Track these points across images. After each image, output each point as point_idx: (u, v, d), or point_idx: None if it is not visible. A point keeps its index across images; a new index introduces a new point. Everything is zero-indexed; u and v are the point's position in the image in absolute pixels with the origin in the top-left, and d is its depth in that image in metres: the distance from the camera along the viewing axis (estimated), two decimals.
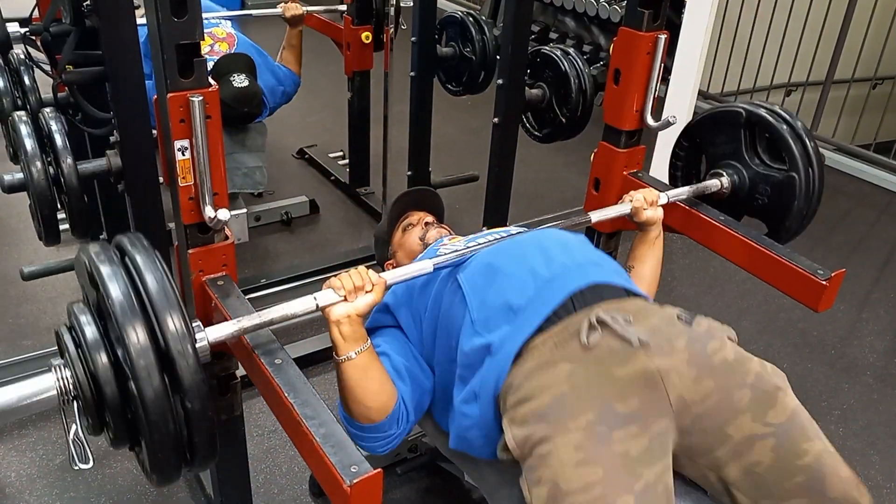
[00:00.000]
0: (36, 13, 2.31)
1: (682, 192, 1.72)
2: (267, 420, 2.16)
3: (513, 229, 1.57)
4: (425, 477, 2.01)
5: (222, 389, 1.49)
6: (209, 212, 1.26)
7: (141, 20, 1.74)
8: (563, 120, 2.09)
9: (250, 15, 3.36)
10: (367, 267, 1.29)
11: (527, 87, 2.23)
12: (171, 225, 1.46)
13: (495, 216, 2.42)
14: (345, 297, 1.24)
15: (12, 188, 1.63)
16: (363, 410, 1.27)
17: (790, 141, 1.62)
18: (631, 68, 1.72)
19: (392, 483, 1.97)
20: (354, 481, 0.97)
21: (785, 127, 1.63)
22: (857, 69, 4.06)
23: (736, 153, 1.71)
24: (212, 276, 1.36)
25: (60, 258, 2.37)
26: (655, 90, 1.74)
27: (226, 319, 1.27)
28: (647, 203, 1.62)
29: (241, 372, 1.47)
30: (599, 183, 1.88)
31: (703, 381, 1.19)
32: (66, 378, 1.03)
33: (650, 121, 1.76)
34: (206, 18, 2.71)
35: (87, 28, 1.72)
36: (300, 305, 1.23)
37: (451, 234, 1.65)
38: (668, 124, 1.74)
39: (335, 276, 1.26)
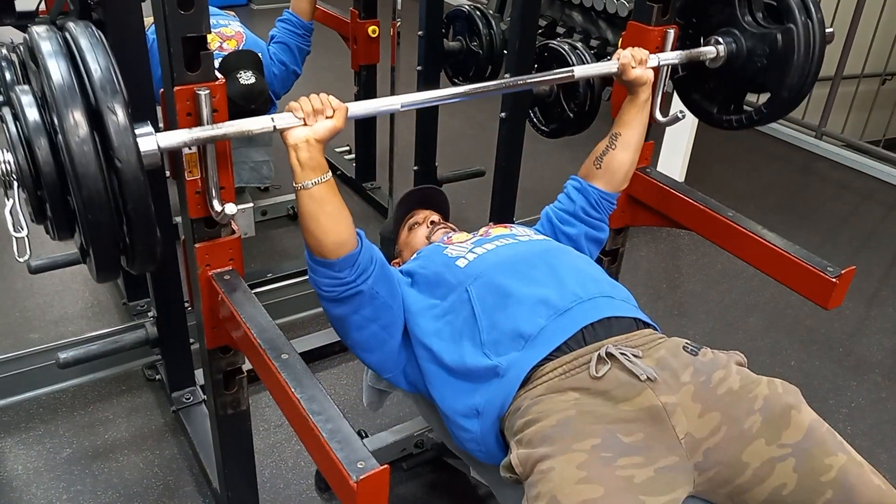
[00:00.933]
0: (42, 6, 2.31)
1: (674, 55, 1.66)
2: (273, 414, 2.16)
3: (519, 231, 1.57)
4: (431, 472, 2.01)
5: (228, 384, 1.49)
6: (216, 206, 1.26)
7: (147, 18, 1.74)
8: (571, 115, 2.07)
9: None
10: (329, 94, 1.26)
11: None
12: (178, 219, 1.46)
13: (502, 211, 2.41)
14: (304, 120, 1.21)
15: None
16: (315, 243, 1.26)
17: None
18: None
19: (398, 478, 1.96)
20: (361, 477, 0.97)
21: None
22: (866, 65, 4.03)
23: (731, 19, 1.65)
24: (218, 270, 1.35)
25: (67, 252, 2.37)
26: (664, 86, 1.73)
27: (232, 314, 1.28)
28: (636, 61, 1.57)
29: (247, 366, 1.48)
30: None
31: (709, 415, 1.18)
32: (7, 161, 1.03)
33: (658, 116, 1.75)
34: (215, 18, 2.69)
35: (94, 21, 1.72)
36: (257, 123, 1.20)
37: (456, 231, 1.65)
38: (676, 120, 1.73)
39: (296, 99, 1.23)
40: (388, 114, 1.31)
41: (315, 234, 1.25)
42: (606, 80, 1.91)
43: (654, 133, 1.85)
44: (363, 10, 2.90)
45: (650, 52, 1.61)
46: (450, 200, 1.81)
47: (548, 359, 1.27)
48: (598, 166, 1.62)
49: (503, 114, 2.23)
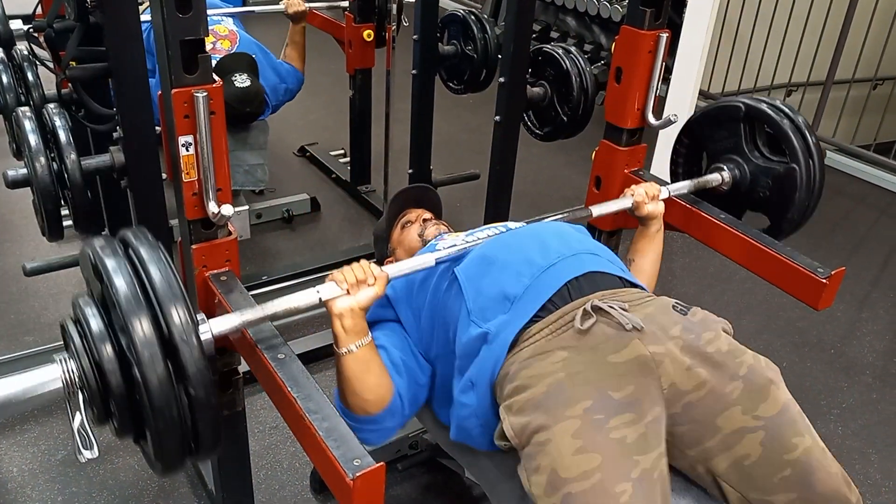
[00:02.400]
0: (39, 10, 2.32)
1: (683, 186, 1.72)
2: (268, 416, 2.16)
3: (511, 224, 1.58)
4: (426, 473, 2.01)
5: (224, 385, 1.50)
6: (213, 207, 1.27)
7: (145, 16, 1.75)
8: (565, 118, 2.10)
9: (252, 12, 3.36)
10: (369, 262, 1.30)
11: (528, 86, 2.23)
12: (174, 221, 1.47)
13: (496, 214, 2.42)
14: (347, 290, 1.24)
15: (16, 184, 1.63)
16: (360, 403, 1.28)
17: (790, 133, 1.62)
18: (632, 67, 1.72)
19: (393, 479, 1.97)
20: (357, 475, 0.98)
21: (785, 120, 1.63)
22: (857, 70, 4.07)
23: (736, 147, 1.71)
24: (215, 271, 1.36)
25: (62, 254, 2.38)
26: (657, 89, 1.75)
27: (228, 313, 1.28)
28: (649, 197, 1.63)
29: (242, 368, 1.48)
30: (600, 181, 1.88)
31: (697, 370, 1.20)
32: (71, 369, 1.04)
33: (651, 119, 1.76)
34: (209, 16, 2.71)
35: (91, 24, 1.73)
36: (303, 299, 1.23)
37: (449, 231, 1.66)
38: (669, 123, 1.75)
39: (338, 270, 1.27)
40: (425, 269, 1.37)
41: (360, 394, 1.28)
42: (600, 84, 1.93)
43: (647, 136, 1.87)
44: (358, 14, 2.92)
45: (659, 188, 1.67)
46: (444, 204, 1.83)
47: (534, 320, 1.27)
48: None
49: (497, 117, 2.25)
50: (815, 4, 4.01)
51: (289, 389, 1.12)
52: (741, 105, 1.69)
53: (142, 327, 0.98)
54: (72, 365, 1.04)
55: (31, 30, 2.02)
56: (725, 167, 1.73)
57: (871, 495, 2.01)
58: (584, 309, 1.24)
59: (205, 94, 1.19)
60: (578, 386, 1.18)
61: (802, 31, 4.09)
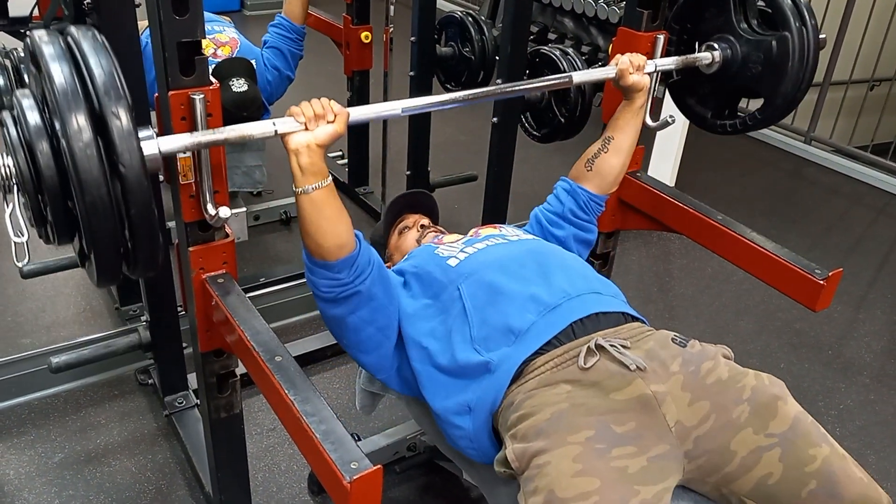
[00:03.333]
0: (36, 12, 2.32)
1: (671, 61, 1.68)
2: (265, 418, 2.16)
3: (508, 231, 1.58)
4: (424, 475, 2.01)
5: (221, 387, 1.50)
6: (210, 209, 1.27)
7: (141, 22, 1.75)
8: (562, 120, 2.09)
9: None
10: (330, 99, 1.26)
11: None
12: (171, 223, 1.47)
13: (494, 216, 2.42)
14: (305, 125, 1.21)
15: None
16: (314, 246, 1.27)
17: (780, 0, 1.58)
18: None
19: (391, 481, 1.97)
20: (354, 477, 0.98)
21: None
22: (854, 71, 4.07)
23: (727, 25, 1.66)
24: (212, 273, 1.36)
25: (59, 256, 2.37)
26: (654, 90, 1.75)
27: (226, 317, 1.28)
28: (634, 67, 1.58)
29: (240, 370, 1.48)
30: None
31: (699, 404, 1.20)
32: (8, 165, 1.03)
33: (649, 121, 1.76)
34: (210, 24, 2.69)
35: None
36: (258, 128, 1.19)
37: (446, 234, 1.66)
38: (666, 124, 1.75)
39: (298, 105, 1.23)
40: (389, 118, 1.31)
41: (314, 237, 1.26)
42: (597, 86, 1.93)
43: (645, 137, 1.87)
44: (356, 15, 2.92)
45: (645, 59, 1.62)
46: (442, 205, 1.83)
47: (538, 353, 1.28)
48: (588, 168, 1.64)
49: (495, 119, 2.25)
50: (811, 5, 4.02)
51: (286, 392, 1.12)
52: None
53: (77, 123, 0.94)
54: (8, 160, 1.02)
55: (28, 31, 2.02)
56: (717, 46, 1.67)
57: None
58: (589, 347, 1.25)
59: (202, 95, 1.19)
60: (581, 416, 1.19)
61: None
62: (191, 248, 1.33)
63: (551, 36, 4.73)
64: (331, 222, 1.26)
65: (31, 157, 1.01)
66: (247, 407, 1.93)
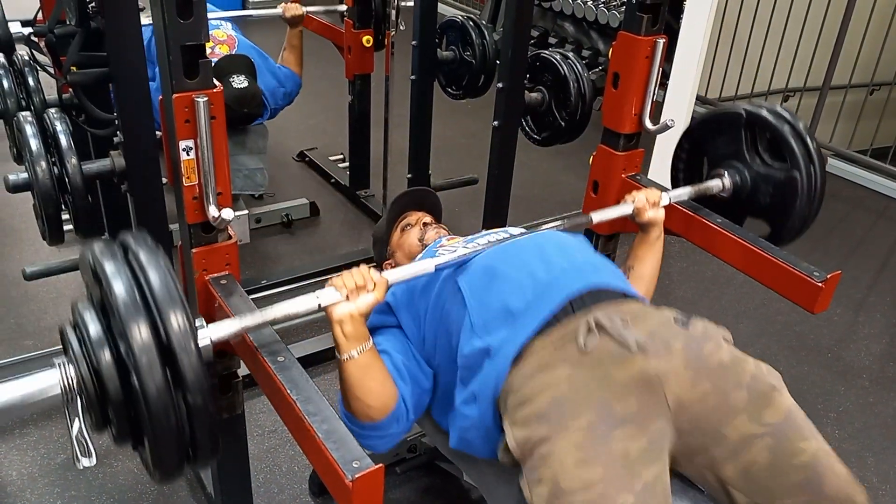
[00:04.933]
0: (40, 15, 2.33)
1: (684, 192, 1.73)
2: (267, 420, 2.17)
3: (512, 230, 1.59)
4: (424, 476, 2.02)
5: (224, 388, 1.50)
6: (213, 211, 1.28)
7: (145, 20, 1.77)
8: (563, 123, 2.11)
9: (251, 16, 3.36)
10: (368, 267, 1.30)
11: (526, 91, 2.25)
12: (174, 225, 1.48)
13: (495, 219, 2.43)
14: (347, 296, 1.24)
15: (17, 188, 1.64)
16: (364, 409, 1.28)
17: (791, 140, 1.62)
18: (630, 72, 1.74)
19: (392, 482, 1.98)
20: (356, 476, 0.99)
21: (786, 126, 1.63)
22: (854, 75, 4.08)
23: (737, 154, 1.72)
24: (215, 275, 1.37)
25: (62, 258, 2.38)
26: (654, 94, 1.76)
27: (229, 318, 1.29)
28: (650, 204, 1.63)
29: (242, 371, 1.49)
30: (598, 186, 1.89)
31: (700, 383, 1.21)
32: (70, 375, 1.03)
33: (649, 124, 1.78)
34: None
35: (92, 29, 1.74)
36: (303, 304, 1.23)
37: (449, 235, 1.66)
38: (666, 128, 1.76)
39: (338, 275, 1.27)
40: (425, 275, 1.37)
41: (363, 400, 1.27)
42: (598, 90, 1.94)
43: (645, 141, 1.88)
44: (358, 20, 2.94)
45: (660, 194, 1.67)
46: (443, 208, 1.84)
47: (537, 334, 1.28)
48: None
49: (496, 122, 2.26)
50: (811, 9, 4.04)
51: (288, 392, 1.13)
52: (742, 112, 1.69)
53: (140, 333, 0.97)
54: (70, 370, 1.03)
55: (32, 34, 2.03)
56: (726, 173, 1.73)
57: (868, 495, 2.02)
58: (587, 324, 1.25)
59: (205, 98, 1.20)
60: (581, 399, 1.19)
61: (799, 36, 4.12)
62: (194, 250, 1.34)
63: (552, 40, 4.75)
64: (378, 382, 1.29)
65: (95, 368, 1.02)
66: (248, 409, 1.93)
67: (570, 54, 2.20)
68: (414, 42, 2.58)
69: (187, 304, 1.04)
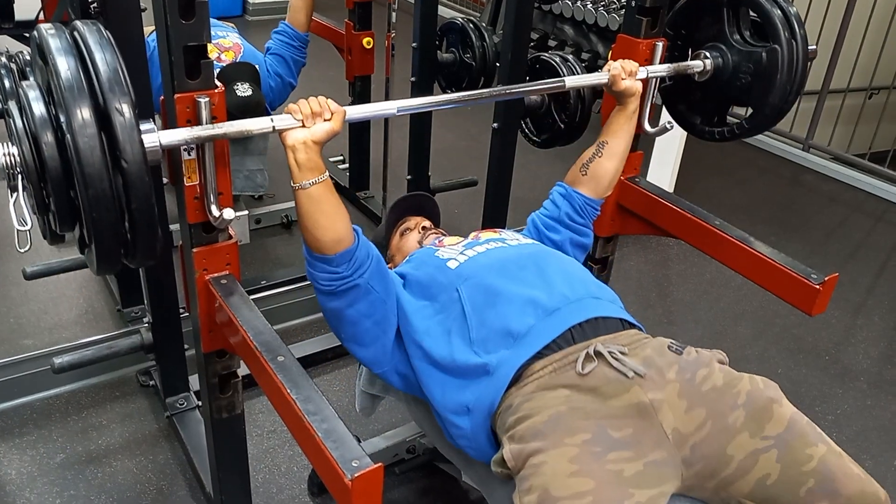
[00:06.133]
0: (42, 16, 2.34)
1: (663, 68, 1.71)
2: (266, 420, 2.17)
3: (508, 235, 1.60)
4: (423, 477, 2.02)
5: (223, 388, 1.51)
6: (214, 211, 1.28)
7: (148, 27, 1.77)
8: (562, 126, 2.11)
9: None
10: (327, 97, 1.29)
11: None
12: (175, 225, 1.48)
13: (494, 220, 2.44)
14: (302, 122, 1.24)
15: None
16: (313, 240, 1.30)
17: (771, 12, 1.60)
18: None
19: (391, 483, 1.98)
20: (356, 475, 0.99)
21: (766, 1, 1.61)
22: (852, 79, 4.10)
23: (719, 34, 1.69)
24: (215, 274, 1.38)
25: (62, 258, 2.39)
26: (652, 97, 1.77)
27: (229, 318, 1.30)
28: (626, 73, 1.61)
29: (242, 371, 1.50)
30: None
31: (695, 411, 1.22)
32: (13, 154, 1.05)
33: (647, 127, 1.78)
34: (214, 30, 2.71)
35: None
36: (257, 124, 1.24)
37: (447, 236, 1.67)
38: (664, 130, 1.77)
39: (295, 102, 1.26)
40: (385, 118, 1.35)
41: (313, 232, 1.28)
42: (597, 92, 1.95)
43: (644, 144, 1.89)
44: (358, 21, 2.94)
45: (640, 65, 1.64)
46: (442, 209, 1.84)
47: (537, 357, 1.30)
48: (583, 173, 1.66)
49: (495, 124, 2.26)
50: (810, 14, 4.05)
51: (288, 391, 1.13)
52: None
53: (82, 114, 0.96)
54: (13, 149, 1.05)
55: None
56: (709, 55, 1.70)
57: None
58: (587, 353, 1.27)
59: (207, 99, 1.20)
60: (579, 419, 1.20)
61: None
62: (195, 250, 1.35)
63: (551, 43, 4.76)
64: (328, 217, 1.28)
65: (35, 147, 1.03)
66: (247, 409, 1.94)
67: (570, 57, 2.20)
68: (414, 44, 2.58)
69: (132, 95, 1.03)
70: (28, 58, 2.01)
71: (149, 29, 1.95)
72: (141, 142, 1.03)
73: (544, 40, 4.81)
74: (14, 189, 1.08)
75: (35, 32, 1.06)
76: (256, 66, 2.56)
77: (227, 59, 2.67)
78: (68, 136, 0.98)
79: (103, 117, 1.00)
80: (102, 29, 1.07)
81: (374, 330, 1.40)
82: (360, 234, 1.35)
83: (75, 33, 1.05)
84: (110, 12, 1.60)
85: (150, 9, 1.31)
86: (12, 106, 1.07)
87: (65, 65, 1.00)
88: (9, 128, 1.08)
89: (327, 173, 1.28)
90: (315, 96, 1.27)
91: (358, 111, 1.34)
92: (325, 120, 1.25)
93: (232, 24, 3.00)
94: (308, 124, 1.24)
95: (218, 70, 2.46)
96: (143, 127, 1.07)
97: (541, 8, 4.75)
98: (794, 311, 1.60)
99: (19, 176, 1.06)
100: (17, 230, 1.11)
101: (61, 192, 1.04)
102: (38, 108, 1.03)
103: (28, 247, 1.12)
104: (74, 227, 1.12)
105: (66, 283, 2.65)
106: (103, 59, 1.01)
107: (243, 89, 2.45)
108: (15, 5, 2.33)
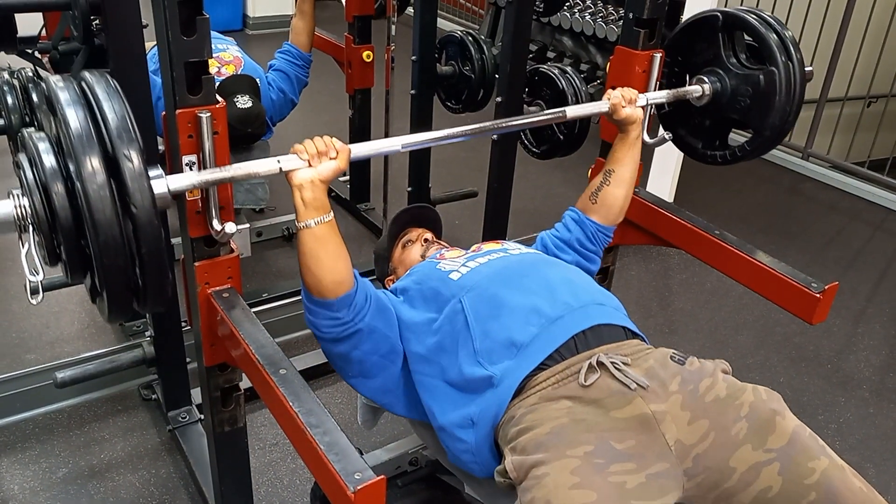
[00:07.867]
0: (44, 32, 2.35)
1: (662, 95, 1.72)
2: (268, 433, 2.17)
3: (510, 246, 1.60)
4: (426, 489, 2.02)
5: (225, 401, 1.51)
6: (216, 225, 1.29)
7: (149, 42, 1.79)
8: (561, 137, 2.12)
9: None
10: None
11: (525, 105, 2.26)
12: (176, 239, 1.49)
13: (494, 232, 2.44)
14: (308, 161, 1.25)
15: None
16: (314, 283, 1.30)
17: (766, 35, 1.61)
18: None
19: (393, 495, 1.97)
20: (358, 488, 0.99)
21: (761, 24, 1.62)
22: (850, 87, 4.11)
23: (716, 59, 1.71)
24: (217, 288, 1.38)
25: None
26: (651, 108, 1.78)
27: (231, 331, 1.30)
28: (626, 101, 1.62)
29: (244, 384, 1.50)
30: None
31: (698, 423, 1.22)
32: (24, 206, 1.05)
33: (646, 138, 1.79)
34: (214, 43, 2.73)
35: (96, 46, 1.76)
36: (264, 166, 1.24)
37: (449, 248, 1.68)
38: (663, 141, 1.78)
39: (301, 142, 1.27)
40: (389, 154, 1.36)
41: (315, 273, 1.29)
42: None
43: (644, 154, 1.89)
44: (358, 35, 2.96)
45: (639, 92, 1.66)
46: (443, 221, 1.85)
47: (540, 368, 1.30)
48: (593, 201, 1.67)
49: (495, 136, 2.28)
50: (808, 22, 4.07)
51: (290, 404, 1.14)
52: (718, 14, 1.68)
53: (91, 165, 0.97)
54: (24, 201, 1.05)
55: (35, 51, 2.05)
56: (707, 80, 1.72)
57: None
58: (590, 363, 1.27)
59: (208, 114, 1.21)
60: (581, 431, 1.20)
61: None
62: (196, 264, 1.35)
63: (550, 54, 4.77)
64: (331, 257, 1.29)
65: (46, 197, 1.04)
66: (249, 422, 1.94)
67: (569, 68, 2.21)
68: (413, 57, 2.60)
69: (140, 142, 1.03)
70: (30, 73, 2.03)
71: (149, 44, 1.96)
72: (150, 188, 1.04)
73: (543, 52, 4.83)
74: (26, 241, 1.08)
75: (44, 84, 1.08)
76: (257, 80, 2.58)
77: (228, 72, 2.69)
78: (78, 184, 0.99)
79: (112, 165, 1.01)
80: (110, 79, 1.08)
81: (381, 362, 1.41)
82: (358, 277, 1.35)
83: (83, 84, 1.07)
84: (112, 29, 1.62)
85: (151, 25, 1.32)
86: (22, 158, 1.08)
87: (74, 116, 1.01)
88: (20, 179, 1.08)
89: (332, 213, 1.29)
90: (320, 135, 1.28)
91: (363, 149, 1.36)
92: (330, 158, 1.27)
93: (231, 38, 3.01)
94: (314, 163, 1.25)
95: (218, 83, 2.47)
96: (151, 173, 1.08)
97: (539, 20, 4.77)
98: (794, 319, 1.61)
99: (31, 227, 1.06)
100: (29, 280, 1.10)
101: (72, 240, 1.04)
102: (49, 159, 1.04)
103: (40, 297, 1.11)
104: (85, 277, 1.12)
105: (68, 298, 2.65)
106: (111, 108, 1.03)
107: (243, 101, 2.47)
108: (18, 20, 2.34)
